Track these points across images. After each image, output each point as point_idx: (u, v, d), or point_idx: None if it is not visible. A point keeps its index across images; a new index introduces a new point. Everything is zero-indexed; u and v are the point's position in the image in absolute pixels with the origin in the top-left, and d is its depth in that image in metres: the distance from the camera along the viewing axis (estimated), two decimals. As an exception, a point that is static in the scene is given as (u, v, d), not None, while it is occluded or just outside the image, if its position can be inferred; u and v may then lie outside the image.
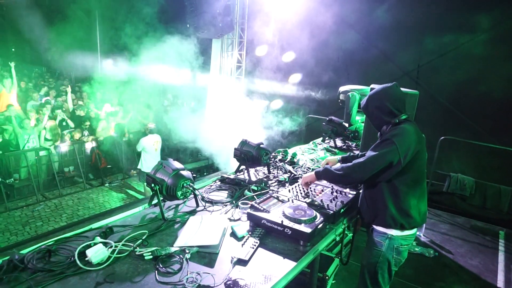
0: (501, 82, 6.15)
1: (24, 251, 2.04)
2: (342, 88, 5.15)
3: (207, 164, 9.44)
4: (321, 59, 8.03)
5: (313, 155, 4.18)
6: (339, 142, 4.78)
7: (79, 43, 12.11)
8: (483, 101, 6.41)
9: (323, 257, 3.74)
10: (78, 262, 1.96)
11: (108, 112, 9.32)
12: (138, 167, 7.51)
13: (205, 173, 9.28)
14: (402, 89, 3.99)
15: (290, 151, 4.13)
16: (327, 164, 3.38)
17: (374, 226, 2.63)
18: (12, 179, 7.35)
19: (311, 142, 4.84)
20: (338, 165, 2.70)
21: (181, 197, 2.59)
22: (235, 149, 3.38)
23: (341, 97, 5.06)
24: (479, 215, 5.69)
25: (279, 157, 3.90)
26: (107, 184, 8.65)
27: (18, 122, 7.66)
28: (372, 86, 4.97)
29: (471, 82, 6.57)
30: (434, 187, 6.10)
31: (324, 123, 4.76)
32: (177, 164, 2.67)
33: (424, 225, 4.98)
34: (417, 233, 4.95)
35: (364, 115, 3.03)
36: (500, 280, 4.08)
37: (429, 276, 4.14)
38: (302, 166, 3.71)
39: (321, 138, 4.97)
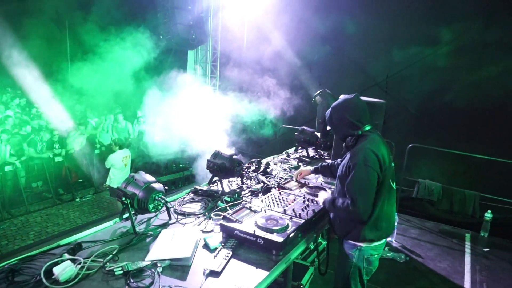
0: (464, 92, 6.46)
1: (-15, 272, 1.96)
2: (318, 98, 5.26)
3: (182, 176, 9.34)
4: (294, 70, 8.19)
5: (286, 164, 4.24)
6: (311, 152, 4.87)
7: (47, 52, 11.79)
8: (448, 109, 6.70)
9: (298, 266, 3.77)
10: (44, 280, 1.90)
11: (79, 123, 9.05)
12: (107, 183, 7.31)
13: (180, 185, 9.17)
14: (370, 99, 4.14)
15: (263, 161, 4.18)
16: (300, 174, 3.43)
17: (344, 240, 2.66)
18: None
19: (284, 152, 4.91)
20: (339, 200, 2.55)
21: (153, 210, 2.57)
22: (208, 160, 3.38)
23: (317, 99, 5.15)
24: (447, 219, 5.90)
25: (253, 167, 3.93)
26: (78, 199, 8.37)
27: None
28: (317, 98, 5.12)
29: (437, 92, 6.87)
30: (404, 193, 6.30)
31: (296, 133, 4.84)
32: (148, 177, 2.65)
33: (396, 230, 5.13)
34: (389, 239, 5.10)
35: None
36: (467, 281, 4.24)
37: (401, 280, 4.25)
38: (275, 176, 3.75)
39: (294, 148, 5.05)
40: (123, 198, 2.48)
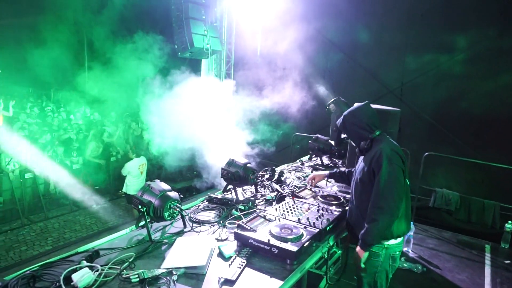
0: (480, 99, 6.36)
1: (7, 278, 2.01)
2: (332, 106, 5.25)
3: (195, 183, 9.41)
4: (307, 78, 8.21)
5: (300, 173, 4.24)
6: (325, 160, 4.86)
7: (65, 61, 12.16)
8: (464, 117, 6.61)
9: (312, 275, 3.74)
10: (63, 286, 1.94)
11: (94, 132, 9.24)
12: (124, 190, 7.42)
13: (194, 193, 9.23)
14: (384, 107, 4.13)
15: (277, 170, 4.18)
16: (313, 179, 3.44)
17: None
18: (-5, 203, 7.19)
19: (298, 160, 4.90)
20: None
21: (169, 218, 2.60)
22: (222, 168, 3.41)
23: (331, 107, 5.16)
24: (466, 229, 5.77)
25: (267, 176, 3.94)
26: (94, 206, 8.52)
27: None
28: (331, 106, 5.14)
29: (452, 99, 6.78)
30: (421, 202, 6.20)
31: (310, 141, 4.84)
32: (164, 186, 2.69)
33: (412, 240, 5.04)
34: (405, 249, 5.01)
35: None
36: (488, 294, 4.13)
37: (418, 291, 4.16)
38: (289, 185, 3.75)
39: (308, 156, 5.04)
40: (139, 206, 2.53)
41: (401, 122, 5.30)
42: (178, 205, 2.62)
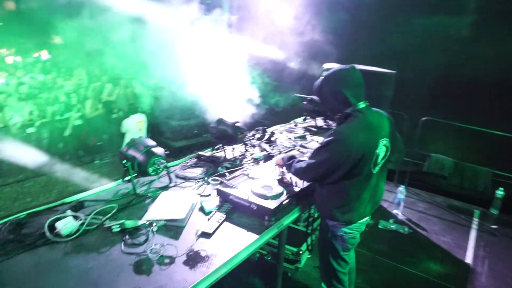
0: (485, 66, 6.15)
1: (-5, 223, 2.12)
2: (326, 65, 5.14)
3: (198, 142, 9.49)
4: (308, 38, 7.96)
5: (291, 134, 4.26)
6: (320, 122, 4.84)
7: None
8: (468, 83, 6.42)
9: (299, 232, 3.88)
10: (47, 233, 2.05)
11: (96, 87, 9.23)
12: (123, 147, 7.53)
13: (194, 151, 9.33)
14: (378, 69, 4.04)
15: (270, 130, 4.20)
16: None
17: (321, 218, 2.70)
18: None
19: (292, 122, 4.90)
20: (303, 158, 2.59)
21: (153, 173, 2.67)
22: (210, 127, 3.44)
23: (324, 74, 5.05)
24: (458, 195, 5.82)
25: (258, 135, 3.96)
26: (97, 161, 8.72)
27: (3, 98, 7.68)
28: (326, 65, 4.97)
29: (458, 64, 6.56)
30: (416, 167, 6.23)
31: (305, 102, 4.80)
32: (149, 142, 2.74)
33: (402, 203, 5.13)
34: (395, 211, 5.12)
35: None
36: (469, 256, 4.25)
37: (402, 252, 4.29)
38: (278, 145, 3.78)
39: (303, 118, 5.03)
40: (124, 161, 2.59)
41: (403, 85, 5.21)
42: (162, 161, 2.68)
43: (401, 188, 5.06)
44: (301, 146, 3.72)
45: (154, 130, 8.79)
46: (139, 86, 9.45)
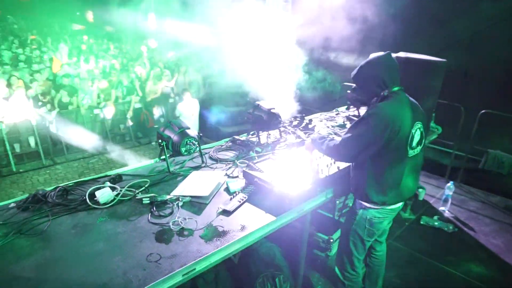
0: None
1: (48, 188, 2.44)
2: (372, 55, 4.95)
3: (248, 128, 9.68)
4: (367, 25, 7.64)
5: (331, 122, 4.21)
6: (363, 112, 4.70)
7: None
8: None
9: (332, 220, 3.87)
10: (88, 200, 2.32)
11: (156, 73, 9.79)
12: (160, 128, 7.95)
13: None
14: (428, 57, 3.84)
15: (309, 117, 4.20)
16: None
17: (354, 197, 2.69)
18: (70, 133, 8.20)
19: (334, 110, 4.83)
20: (332, 137, 2.68)
21: (185, 153, 2.85)
22: (247, 112, 3.54)
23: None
24: (518, 196, 5.35)
25: (295, 122, 3.99)
26: (153, 143, 9.32)
27: (73, 82, 8.49)
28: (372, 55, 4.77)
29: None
30: (471, 163, 5.81)
31: (349, 91, 4.68)
32: (183, 124, 2.92)
33: (450, 200, 4.85)
34: (442, 208, 4.86)
35: None
36: (520, 262, 3.94)
37: (443, 250, 4.09)
38: (315, 133, 3.78)
39: (346, 106, 4.93)
40: (160, 141, 2.80)
41: (463, 76, 4.82)
42: (194, 142, 2.84)
43: (450, 184, 4.78)
44: (335, 134, 3.68)
45: (205, 115, 9.16)
46: (194, 73, 9.86)
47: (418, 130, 2.42)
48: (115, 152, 8.64)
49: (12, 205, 2.29)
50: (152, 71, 9.74)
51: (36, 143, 7.74)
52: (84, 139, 8.52)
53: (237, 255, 3.55)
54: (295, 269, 3.13)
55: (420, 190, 5.09)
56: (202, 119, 8.94)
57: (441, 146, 6.18)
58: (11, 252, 1.88)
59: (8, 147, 7.27)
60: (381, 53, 2.47)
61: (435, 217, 4.63)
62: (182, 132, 2.83)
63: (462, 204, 5.11)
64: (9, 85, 7.61)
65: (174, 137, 2.81)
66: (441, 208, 4.87)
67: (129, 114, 9.02)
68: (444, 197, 4.83)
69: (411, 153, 2.42)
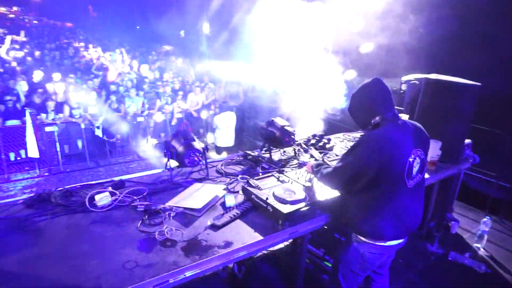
0: None
1: (53, 190, 2.61)
2: (404, 78, 4.74)
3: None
4: (395, 45, 7.25)
5: (351, 143, 4.06)
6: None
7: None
8: None
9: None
10: (86, 203, 2.43)
11: (201, 85, 10.14)
12: (213, 141, 8.15)
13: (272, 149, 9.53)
14: (460, 80, 3.59)
15: (329, 137, 4.09)
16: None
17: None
18: (115, 138, 8.72)
19: (359, 131, 4.65)
20: (327, 165, 2.58)
21: (189, 165, 2.89)
22: (261, 127, 3.53)
23: (403, 87, 4.67)
24: None
25: (313, 141, 3.90)
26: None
27: (124, 90, 9.05)
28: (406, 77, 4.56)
29: None
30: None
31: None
32: (190, 136, 2.98)
33: (486, 237, 4.41)
34: (475, 245, 4.44)
35: None
36: None
37: (469, 291, 3.71)
38: (329, 153, 3.66)
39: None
40: (165, 150, 2.88)
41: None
42: (197, 154, 2.88)
43: (486, 219, 4.35)
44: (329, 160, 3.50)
45: (241, 128, 9.28)
46: (234, 86, 10.08)
47: (417, 158, 2.23)
48: (154, 159, 9.01)
49: (21, 201, 2.47)
50: (196, 83, 10.12)
51: (83, 146, 8.31)
52: (126, 144, 9.02)
53: (241, 270, 3.53)
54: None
55: (453, 222, 4.69)
56: (240, 132, 9.07)
57: (482, 175, 5.67)
58: (3, 246, 2.02)
59: (58, 148, 7.89)
60: (367, 81, 2.34)
61: (466, 254, 4.22)
62: (187, 144, 2.88)
63: (500, 242, 4.62)
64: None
65: (179, 148, 2.87)
66: (475, 245, 4.44)
67: (173, 121, 9.41)
68: (479, 233, 4.40)
69: (411, 183, 2.23)
